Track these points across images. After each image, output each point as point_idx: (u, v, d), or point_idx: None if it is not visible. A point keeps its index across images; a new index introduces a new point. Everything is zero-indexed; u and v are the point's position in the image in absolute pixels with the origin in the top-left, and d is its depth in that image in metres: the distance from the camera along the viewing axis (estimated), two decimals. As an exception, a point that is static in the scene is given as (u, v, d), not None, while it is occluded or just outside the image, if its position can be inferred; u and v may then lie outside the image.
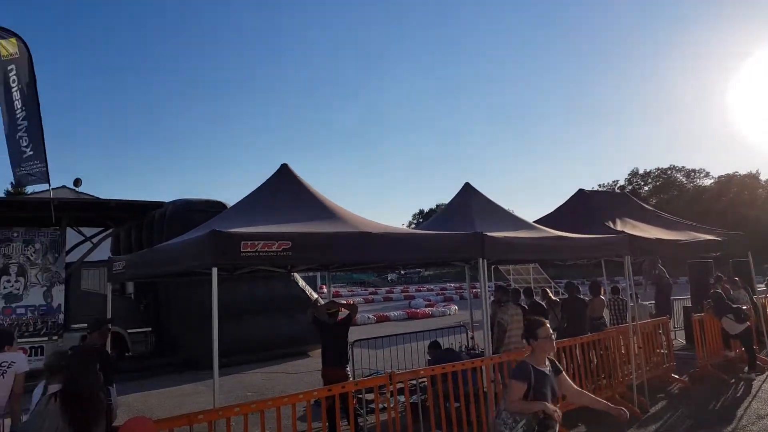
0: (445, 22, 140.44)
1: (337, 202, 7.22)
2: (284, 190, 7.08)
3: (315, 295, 16.82)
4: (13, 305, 12.15)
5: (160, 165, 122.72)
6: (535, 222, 9.09)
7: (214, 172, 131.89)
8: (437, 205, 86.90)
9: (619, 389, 8.62)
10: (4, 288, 12.16)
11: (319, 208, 6.76)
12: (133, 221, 14.70)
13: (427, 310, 27.94)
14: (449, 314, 27.07)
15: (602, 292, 10.73)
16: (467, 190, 9.00)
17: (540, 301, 10.55)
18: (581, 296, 10.20)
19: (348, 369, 7.44)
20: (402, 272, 59.25)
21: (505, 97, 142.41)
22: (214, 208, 14.20)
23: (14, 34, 12.72)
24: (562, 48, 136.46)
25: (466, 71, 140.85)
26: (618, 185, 75.77)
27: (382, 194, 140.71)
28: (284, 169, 7.42)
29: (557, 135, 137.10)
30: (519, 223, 8.24)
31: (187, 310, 14.11)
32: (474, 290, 17.05)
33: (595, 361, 8.62)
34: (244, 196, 7.21)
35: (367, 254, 6.21)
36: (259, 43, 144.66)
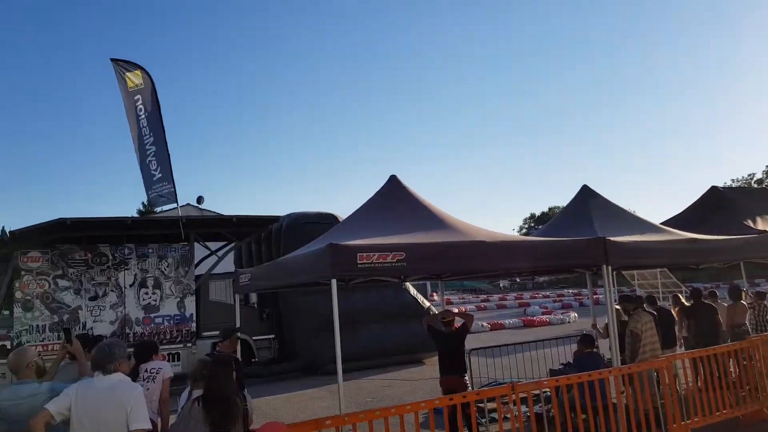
0: (563, 23, 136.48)
1: (445, 208, 7.21)
2: (395, 201, 7.18)
3: (427, 304, 16.85)
4: (152, 315, 13.29)
5: (271, 178, 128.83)
6: (662, 224, 8.54)
7: (322, 183, 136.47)
8: (549, 209, 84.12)
9: (768, 403, 7.83)
10: (143, 299, 13.35)
11: (431, 218, 6.78)
12: (253, 235, 15.57)
13: (544, 317, 26.98)
14: (568, 322, 25.74)
15: (744, 297, 9.84)
16: (585, 192, 8.65)
17: (669, 308, 9.88)
18: (709, 302, 9.40)
19: (466, 377, 7.35)
20: (516, 279, 57.87)
21: (619, 90, 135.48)
22: (326, 220, 14.84)
23: (139, 67, 13.86)
24: (685, 32, 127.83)
25: (578, 67, 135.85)
26: (755, 179, 69.12)
27: (491, 198, 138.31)
28: (393, 180, 7.52)
29: (682, 127, 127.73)
30: (645, 226, 7.78)
31: (305, 318, 14.71)
32: (595, 296, 16.26)
33: (736, 372, 7.89)
34: (351, 205, 7.39)
35: (481, 263, 6.13)
36: (365, 55, 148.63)
